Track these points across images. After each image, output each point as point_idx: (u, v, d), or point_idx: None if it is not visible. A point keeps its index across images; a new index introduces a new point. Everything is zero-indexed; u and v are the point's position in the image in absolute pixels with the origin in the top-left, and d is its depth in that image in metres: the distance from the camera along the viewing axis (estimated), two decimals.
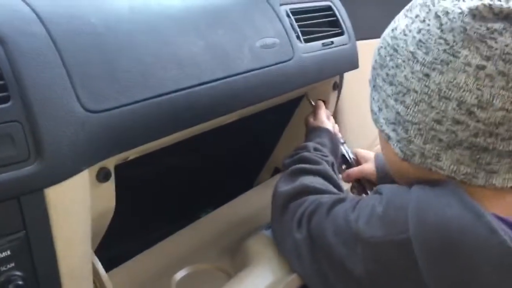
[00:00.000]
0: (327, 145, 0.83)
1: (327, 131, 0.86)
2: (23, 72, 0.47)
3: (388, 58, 0.54)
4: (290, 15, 0.84)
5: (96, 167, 0.57)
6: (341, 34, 0.94)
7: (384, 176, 0.81)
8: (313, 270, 0.60)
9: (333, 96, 1.04)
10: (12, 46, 0.47)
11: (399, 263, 0.49)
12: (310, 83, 0.87)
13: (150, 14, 0.63)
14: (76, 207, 0.53)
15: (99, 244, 0.70)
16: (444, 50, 0.47)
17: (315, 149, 0.79)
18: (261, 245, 0.79)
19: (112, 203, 0.63)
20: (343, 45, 0.93)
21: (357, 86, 1.19)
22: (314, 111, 0.93)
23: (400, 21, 0.55)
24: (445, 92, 0.48)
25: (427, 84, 0.49)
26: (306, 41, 0.85)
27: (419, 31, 0.50)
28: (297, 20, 0.84)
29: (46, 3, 0.54)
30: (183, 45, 0.64)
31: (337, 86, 1.03)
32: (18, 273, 0.48)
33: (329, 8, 0.94)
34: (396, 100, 0.52)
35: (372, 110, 0.59)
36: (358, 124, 1.22)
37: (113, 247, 0.97)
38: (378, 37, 0.60)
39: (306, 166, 0.74)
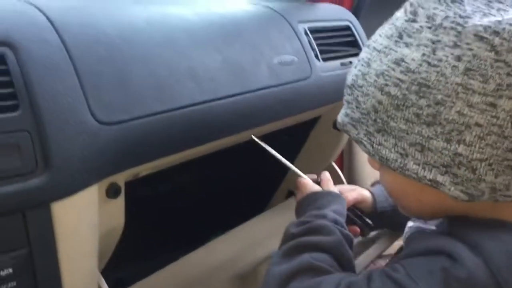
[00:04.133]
0: (344, 216, 0.68)
1: (343, 200, 0.72)
2: (34, 80, 0.45)
3: (413, 97, 0.47)
4: (309, 33, 0.82)
5: (106, 183, 0.55)
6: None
7: (384, 200, 0.77)
8: None
9: None
10: (24, 53, 0.45)
11: None
12: (328, 103, 0.85)
13: (167, 27, 0.62)
14: (84, 223, 0.50)
15: (106, 264, 0.67)
16: (508, 74, 0.43)
17: (336, 222, 0.64)
18: None
19: (122, 220, 0.61)
20: None
21: None
22: (321, 181, 0.77)
23: (401, 51, 0.48)
24: None
25: (494, 114, 0.44)
26: (324, 60, 0.83)
27: (458, 59, 0.44)
28: (315, 39, 0.83)
29: (62, 12, 0.53)
30: (199, 59, 0.62)
31: None
32: None
33: (347, 28, 0.92)
34: (448, 140, 0.46)
35: (385, 158, 0.50)
36: None
37: (121, 268, 0.94)
38: None
39: (314, 239, 0.60)
